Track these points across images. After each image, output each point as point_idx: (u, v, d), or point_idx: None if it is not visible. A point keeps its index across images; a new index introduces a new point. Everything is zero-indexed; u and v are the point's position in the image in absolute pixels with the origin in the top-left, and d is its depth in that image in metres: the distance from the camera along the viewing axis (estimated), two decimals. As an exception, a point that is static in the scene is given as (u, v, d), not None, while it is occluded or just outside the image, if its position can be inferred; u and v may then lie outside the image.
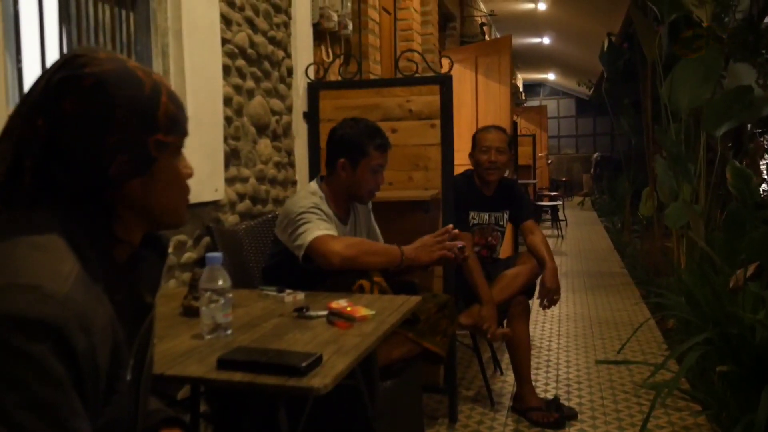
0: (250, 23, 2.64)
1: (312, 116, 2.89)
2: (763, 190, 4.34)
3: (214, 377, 1.21)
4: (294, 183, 3.01)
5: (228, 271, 2.15)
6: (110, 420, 0.76)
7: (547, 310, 3.06)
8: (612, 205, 10.53)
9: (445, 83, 2.74)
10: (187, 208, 0.90)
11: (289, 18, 2.98)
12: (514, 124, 6.68)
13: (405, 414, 2.07)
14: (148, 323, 0.87)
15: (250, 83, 2.63)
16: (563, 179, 15.62)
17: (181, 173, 0.87)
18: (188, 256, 2.22)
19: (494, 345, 3.17)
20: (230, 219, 2.49)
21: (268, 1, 2.78)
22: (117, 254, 0.82)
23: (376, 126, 2.18)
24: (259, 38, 2.69)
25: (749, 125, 4.52)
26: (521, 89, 15.27)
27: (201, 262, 1.97)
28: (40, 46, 1.76)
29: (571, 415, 2.65)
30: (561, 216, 9.45)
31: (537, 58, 14.12)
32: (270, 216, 2.60)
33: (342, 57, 3.49)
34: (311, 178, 2.83)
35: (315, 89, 2.90)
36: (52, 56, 1.77)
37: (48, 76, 0.78)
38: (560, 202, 9.78)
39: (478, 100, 5.76)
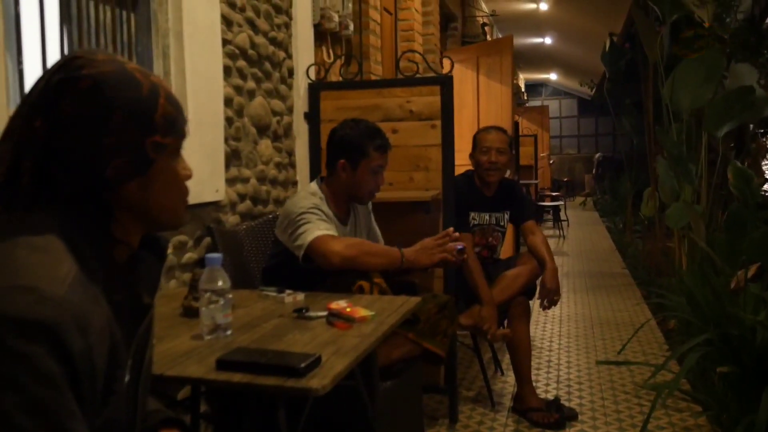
0: (251, 24, 2.64)
1: (313, 117, 2.89)
2: (765, 191, 4.33)
3: (213, 378, 1.21)
4: (295, 183, 3.01)
5: (228, 271, 2.16)
6: (108, 420, 0.76)
7: (548, 311, 3.06)
8: (614, 206, 10.53)
9: (445, 84, 2.74)
10: (185, 210, 0.90)
11: (290, 19, 2.98)
12: (516, 125, 6.68)
13: (405, 414, 2.08)
14: (147, 324, 0.87)
15: (250, 84, 2.64)
16: (565, 179, 15.62)
17: (179, 175, 0.87)
18: (189, 256, 2.22)
19: (495, 345, 3.17)
20: (231, 219, 2.49)
21: (269, 2, 2.79)
22: (116, 255, 0.82)
23: (376, 127, 2.18)
24: (260, 39, 2.70)
25: (751, 125, 4.51)
26: (523, 89, 15.27)
27: (201, 262, 1.98)
28: (41, 47, 1.77)
29: (571, 416, 2.65)
30: (563, 216, 9.44)
31: (539, 58, 14.12)
32: (271, 216, 2.60)
33: (343, 58, 3.49)
34: (312, 179, 2.83)
35: (316, 90, 2.90)
36: (53, 57, 1.78)
37: (47, 77, 0.79)
38: (562, 203, 9.77)
39: (479, 101, 5.76)
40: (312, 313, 1.61)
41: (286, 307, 1.72)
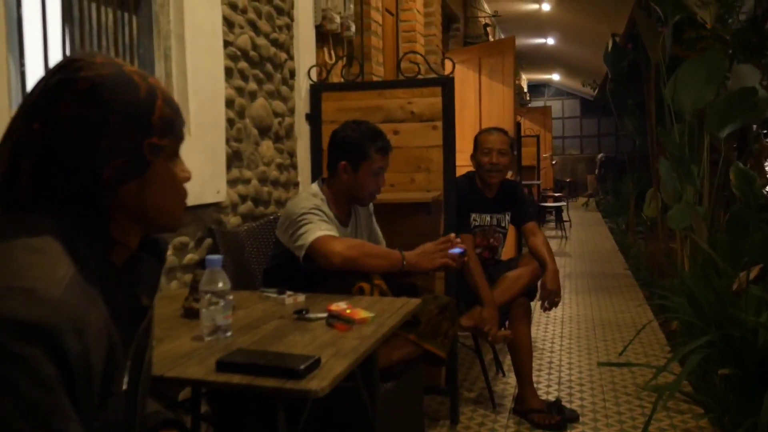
0: (253, 26, 2.65)
1: (314, 118, 2.90)
2: (767, 192, 4.32)
3: (213, 379, 1.21)
4: (296, 184, 3.02)
5: (229, 272, 2.17)
6: (107, 422, 0.77)
7: (549, 312, 3.05)
8: (616, 206, 10.51)
9: (446, 85, 2.74)
10: (183, 212, 0.90)
11: (292, 20, 2.99)
12: (518, 125, 6.67)
13: (406, 415, 2.08)
14: (146, 326, 0.87)
15: (252, 85, 2.64)
16: (568, 180, 15.60)
17: (177, 177, 0.87)
18: (190, 257, 2.23)
19: (496, 347, 3.17)
20: (232, 220, 2.50)
21: (270, 4, 2.79)
22: (114, 257, 0.83)
23: (377, 129, 2.19)
24: (261, 40, 2.70)
25: (754, 126, 4.50)
26: (526, 90, 15.27)
27: (202, 263, 1.98)
28: (43, 50, 1.77)
29: (572, 418, 2.65)
30: (565, 217, 9.43)
31: (541, 59, 14.11)
32: (272, 218, 2.61)
33: (344, 59, 3.50)
34: (313, 180, 2.84)
35: (317, 91, 2.91)
36: (55, 59, 1.78)
37: (45, 79, 0.79)
38: (564, 203, 9.76)
39: (481, 101, 5.75)
40: (312, 315, 1.61)
41: (287, 309, 1.72)
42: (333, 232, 1.99)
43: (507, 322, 2.77)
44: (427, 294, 2.18)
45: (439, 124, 2.76)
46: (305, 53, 3.06)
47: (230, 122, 2.48)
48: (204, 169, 2.28)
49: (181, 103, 2.19)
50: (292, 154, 2.98)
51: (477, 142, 2.90)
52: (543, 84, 19.52)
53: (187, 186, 0.91)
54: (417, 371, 2.12)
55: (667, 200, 4.45)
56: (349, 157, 2.12)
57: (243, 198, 2.58)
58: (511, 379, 2.97)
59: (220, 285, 1.45)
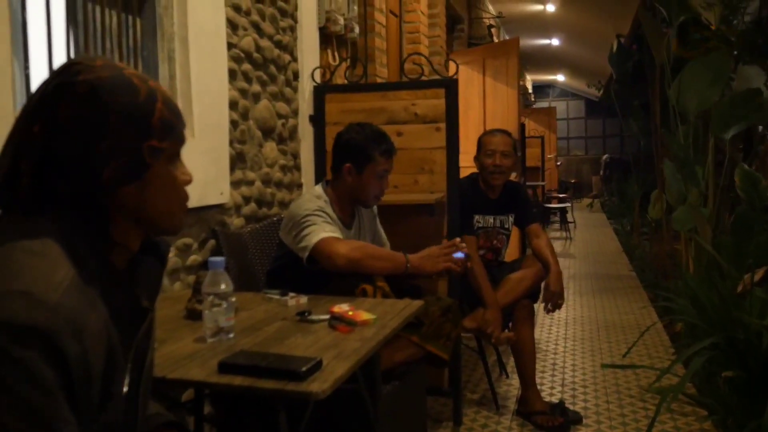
0: (256, 28, 2.65)
1: (318, 119, 2.90)
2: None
3: (214, 381, 1.22)
4: (300, 186, 3.02)
5: (233, 274, 2.18)
6: (107, 424, 0.77)
7: (553, 314, 3.05)
8: (621, 207, 10.49)
9: (450, 87, 2.75)
10: (184, 214, 0.90)
11: (296, 22, 2.99)
12: (522, 126, 6.67)
13: (408, 417, 2.08)
14: (147, 328, 0.87)
15: (256, 87, 2.65)
16: (572, 181, 15.56)
17: (177, 179, 0.88)
18: (193, 258, 2.24)
19: (499, 348, 3.16)
20: (236, 222, 2.50)
21: (274, 6, 2.80)
22: (115, 259, 0.83)
23: (381, 131, 2.19)
24: (265, 42, 2.71)
25: (760, 127, 4.49)
26: (530, 90, 15.25)
27: (206, 265, 1.99)
28: (47, 52, 1.78)
29: (576, 419, 2.64)
30: (569, 218, 9.41)
31: (546, 60, 14.09)
32: (275, 219, 2.61)
33: (348, 60, 3.50)
34: (317, 181, 2.84)
35: (321, 92, 2.91)
36: (60, 62, 1.79)
37: (46, 83, 0.80)
38: (569, 204, 9.74)
39: (485, 103, 5.76)
40: (314, 317, 1.61)
41: (289, 310, 1.73)
42: (336, 234, 2.00)
43: (510, 324, 2.77)
44: (429, 296, 2.19)
45: (443, 125, 2.76)
46: (309, 55, 3.07)
47: (234, 124, 2.49)
48: (207, 171, 2.29)
49: (185, 105, 2.21)
50: (295, 156, 2.99)
51: (480, 143, 2.90)
52: (548, 85, 19.49)
53: (191, 187, 0.91)
54: (419, 373, 2.12)
55: (672, 201, 4.44)
56: (354, 160, 2.12)
57: (246, 199, 2.59)
58: (515, 380, 2.97)
59: (223, 287, 1.45)
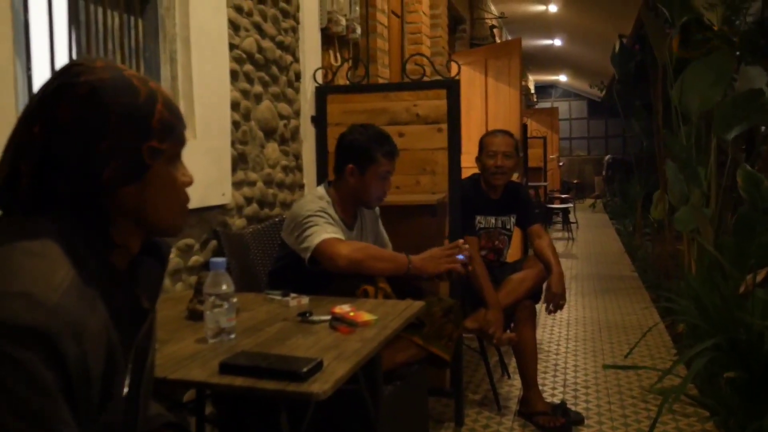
0: (258, 28, 2.66)
1: (320, 120, 2.91)
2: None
3: (216, 382, 1.22)
4: (301, 186, 3.02)
5: (234, 274, 2.18)
6: (107, 425, 0.77)
7: (555, 314, 3.05)
8: (624, 208, 10.48)
9: (452, 87, 2.75)
10: (184, 216, 0.90)
11: (297, 23, 3.00)
12: (524, 127, 6.66)
13: (410, 418, 2.08)
14: (147, 329, 0.88)
15: (257, 88, 2.65)
16: (575, 181, 15.54)
17: (177, 180, 0.88)
18: (195, 259, 2.24)
19: (501, 349, 3.17)
20: (237, 223, 2.51)
21: (276, 7, 2.80)
22: (115, 260, 0.83)
23: (385, 133, 2.19)
24: (267, 43, 2.71)
25: (762, 128, 4.48)
26: (533, 91, 15.24)
27: (208, 265, 1.99)
28: (49, 53, 1.79)
29: (577, 420, 2.64)
30: (572, 218, 9.40)
31: (548, 60, 14.08)
32: (277, 220, 2.62)
33: (350, 61, 3.51)
34: (319, 182, 2.85)
35: (323, 93, 2.92)
36: (62, 63, 1.80)
37: (47, 85, 0.80)
38: (571, 205, 9.73)
39: (487, 103, 5.76)
40: (315, 317, 1.62)
41: (291, 311, 1.73)
42: (338, 235, 2.00)
43: (512, 325, 2.77)
44: (431, 296, 2.19)
45: (445, 126, 2.76)
46: (311, 56, 3.07)
47: (236, 125, 2.49)
48: (209, 172, 2.29)
49: (187, 106, 2.21)
50: (297, 157, 2.99)
51: (482, 144, 2.90)
52: (550, 85, 19.48)
53: (192, 188, 0.91)
54: (421, 373, 2.12)
55: (674, 202, 4.43)
56: (357, 161, 2.12)
57: (248, 200, 2.59)
58: (516, 381, 2.97)
59: (224, 287, 1.45)
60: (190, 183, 0.90)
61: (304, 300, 1.83)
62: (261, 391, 1.18)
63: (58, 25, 1.81)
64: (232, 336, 1.46)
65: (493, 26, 8.51)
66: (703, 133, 4.08)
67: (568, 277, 5.90)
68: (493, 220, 2.92)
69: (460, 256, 2.01)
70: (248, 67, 2.58)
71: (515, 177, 3.53)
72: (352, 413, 1.70)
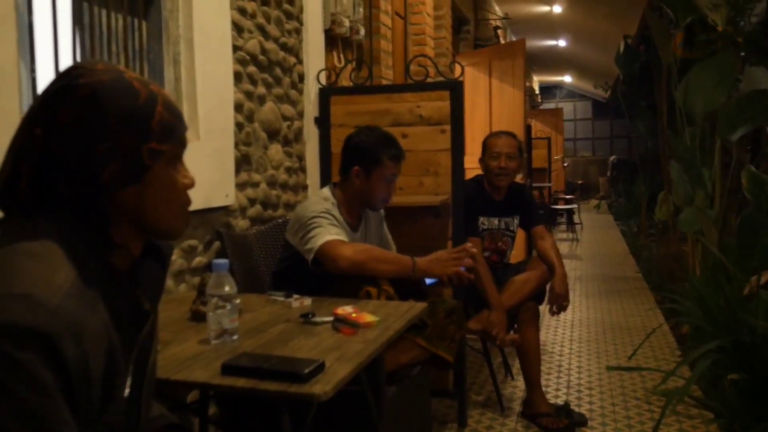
0: (262, 30, 2.66)
1: (323, 121, 2.91)
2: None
3: (218, 383, 1.22)
4: (305, 188, 3.03)
5: (238, 275, 2.19)
6: (108, 426, 0.78)
7: (559, 315, 3.05)
8: (628, 209, 10.45)
9: (455, 89, 2.75)
10: (184, 219, 0.90)
11: (301, 24, 3.00)
12: (528, 128, 6.66)
13: (413, 419, 2.08)
14: (149, 330, 0.88)
15: (261, 89, 2.66)
16: (579, 182, 15.53)
17: (178, 182, 0.88)
18: (198, 260, 2.25)
19: (505, 350, 3.16)
20: (241, 224, 2.51)
21: (279, 8, 2.81)
22: (117, 261, 0.84)
23: (391, 136, 2.20)
24: (270, 45, 2.72)
25: (767, 129, 4.46)
26: (537, 92, 15.22)
27: (211, 266, 2.00)
28: (53, 55, 1.80)
29: (581, 422, 2.64)
30: (576, 219, 9.38)
31: (553, 61, 14.07)
32: (280, 221, 2.62)
33: (353, 62, 3.51)
34: (322, 183, 2.85)
35: (326, 95, 2.92)
36: (66, 65, 1.80)
37: (48, 87, 0.81)
38: (575, 206, 9.71)
39: (491, 104, 5.75)
40: (318, 319, 1.62)
41: (293, 312, 1.73)
42: (342, 237, 2.00)
43: (515, 326, 2.77)
44: (434, 297, 2.19)
45: (448, 127, 2.76)
46: (314, 57, 3.08)
47: (239, 126, 2.50)
48: (213, 173, 2.30)
49: (190, 108, 2.22)
50: (300, 158, 3.00)
51: (485, 145, 2.90)
52: (555, 86, 19.46)
53: (196, 189, 0.91)
54: (424, 375, 2.12)
55: (679, 203, 4.42)
56: (362, 163, 2.13)
57: (252, 201, 2.60)
58: (520, 382, 2.96)
59: (227, 289, 1.46)
60: (191, 185, 0.90)
61: (307, 301, 1.83)
62: (263, 393, 1.19)
63: (62, 27, 1.82)
64: (235, 337, 1.46)
65: (497, 27, 8.51)
66: (708, 134, 4.06)
67: (573, 278, 5.89)
68: (496, 222, 2.92)
69: (463, 268, 2.00)
70: (252, 68, 2.59)
71: (519, 178, 3.53)
72: (355, 414, 1.70)
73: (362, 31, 3.56)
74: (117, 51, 2.01)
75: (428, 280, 2.08)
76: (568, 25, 10.73)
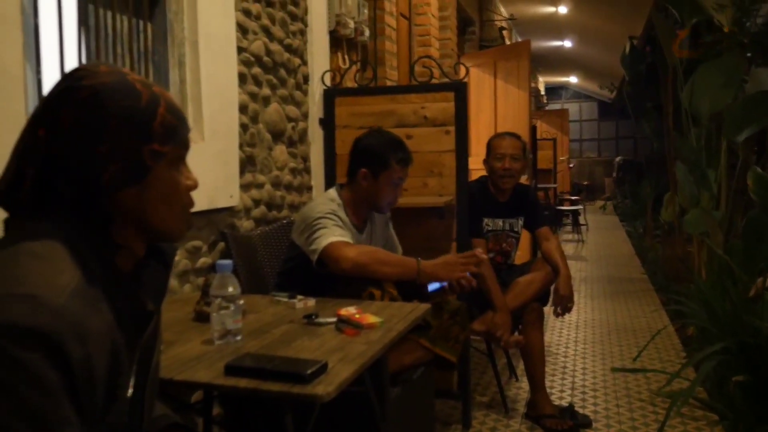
0: (266, 32, 2.67)
1: (328, 122, 2.92)
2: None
3: (221, 383, 1.23)
4: (309, 189, 3.04)
5: (242, 276, 2.20)
6: (112, 426, 0.78)
7: (565, 317, 3.04)
8: (634, 210, 10.42)
9: (459, 90, 2.75)
10: (186, 220, 0.90)
11: (306, 26, 3.01)
12: (533, 129, 6.65)
13: (416, 420, 2.08)
14: (152, 330, 0.88)
15: (266, 90, 2.67)
16: (585, 183, 15.50)
17: (180, 183, 0.88)
18: (203, 261, 2.25)
19: (509, 351, 3.16)
20: (245, 224, 2.52)
21: (284, 10, 2.82)
22: (120, 262, 0.84)
23: (400, 140, 2.20)
24: (275, 46, 2.73)
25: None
26: (543, 92, 15.20)
27: (215, 267, 2.01)
28: (59, 57, 1.81)
29: (585, 423, 2.64)
30: (582, 220, 9.36)
31: (558, 61, 14.05)
32: (285, 222, 2.63)
33: (358, 63, 3.52)
34: (327, 184, 2.86)
35: (331, 96, 2.93)
36: (72, 66, 1.81)
37: (52, 88, 0.81)
38: (581, 207, 9.69)
39: (497, 105, 5.75)
40: (321, 320, 1.62)
41: (297, 313, 1.74)
42: (347, 238, 2.00)
43: (519, 327, 2.77)
44: (438, 298, 2.19)
45: (452, 128, 2.77)
46: (319, 58, 3.08)
47: (244, 127, 2.51)
48: (217, 174, 2.30)
49: (195, 109, 2.23)
50: (305, 159, 3.00)
51: (489, 147, 2.90)
52: (560, 86, 19.43)
53: (201, 190, 0.91)
54: (428, 376, 2.12)
55: (684, 204, 4.41)
56: (370, 165, 2.13)
57: (256, 202, 2.61)
58: (524, 383, 2.96)
59: (231, 290, 1.46)
60: (194, 187, 0.90)
61: (311, 302, 1.84)
62: (266, 393, 1.19)
63: (68, 29, 1.83)
64: (239, 338, 1.47)
65: (502, 28, 8.50)
66: (714, 135, 4.05)
67: (578, 279, 5.88)
68: (500, 223, 2.91)
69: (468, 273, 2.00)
70: (256, 69, 2.60)
71: (524, 179, 3.52)
72: (359, 415, 1.71)
73: (367, 33, 3.57)
74: (122, 53, 2.02)
75: (430, 287, 2.07)
76: (574, 25, 10.71)
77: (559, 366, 3.42)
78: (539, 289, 2.76)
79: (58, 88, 0.81)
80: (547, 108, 15.42)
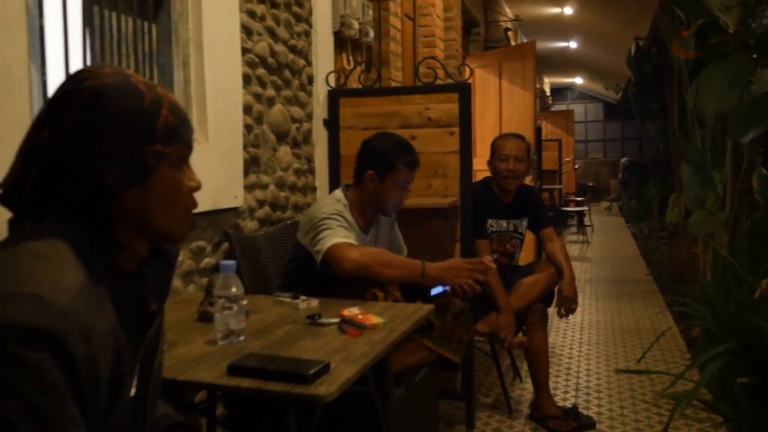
0: (271, 33, 2.68)
1: (332, 123, 2.92)
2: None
3: (223, 383, 1.23)
4: (314, 189, 3.04)
5: (245, 277, 2.20)
6: (115, 426, 0.79)
7: (569, 318, 3.04)
8: (639, 211, 10.40)
9: (463, 91, 2.75)
10: (188, 221, 0.91)
11: (310, 26, 3.02)
12: (538, 130, 6.64)
13: (420, 420, 2.08)
14: (155, 330, 0.89)
15: (270, 91, 2.67)
16: (591, 184, 15.46)
17: (182, 185, 0.88)
18: (207, 261, 2.26)
19: (513, 352, 3.16)
20: (249, 225, 2.53)
21: (288, 11, 2.82)
22: (123, 262, 0.85)
23: (408, 143, 2.20)
24: (279, 47, 2.73)
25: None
26: (548, 93, 15.17)
27: (219, 268, 2.01)
28: (64, 58, 1.81)
29: (589, 425, 2.63)
30: (587, 222, 9.34)
31: (564, 62, 14.03)
32: (289, 222, 2.63)
33: (363, 64, 3.52)
34: (331, 185, 2.86)
35: (335, 97, 2.93)
36: (76, 68, 1.82)
37: (56, 90, 0.82)
38: (586, 208, 9.67)
39: (501, 106, 5.74)
40: (324, 320, 1.63)
41: (300, 313, 1.74)
42: (351, 240, 2.00)
43: (523, 328, 2.77)
44: (441, 299, 2.19)
45: (456, 129, 2.76)
46: (323, 59, 3.09)
47: (248, 128, 2.52)
48: (221, 175, 2.31)
49: (200, 110, 2.24)
50: (309, 160, 3.01)
51: (494, 148, 2.90)
52: (566, 87, 19.39)
53: (205, 191, 0.92)
54: (431, 376, 2.12)
55: (690, 205, 4.39)
56: (377, 167, 2.13)
57: (260, 203, 2.61)
58: (528, 384, 2.96)
59: (234, 290, 1.47)
60: (197, 188, 0.91)
61: (314, 302, 1.84)
62: (268, 393, 1.19)
63: (73, 30, 1.84)
64: (242, 338, 1.47)
65: (507, 29, 8.50)
66: (719, 136, 4.04)
67: (583, 280, 5.87)
68: (504, 224, 2.91)
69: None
70: (261, 70, 2.60)
71: (528, 180, 3.52)
72: (362, 415, 1.71)
73: (371, 34, 3.57)
74: (127, 54, 2.03)
75: (433, 291, 2.07)
76: (579, 26, 10.70)
77: (563, 367, 3.41)
78: (543, 290, 2.75)
79: (61, 90, 0.82)
80: (552, 109, 15.40)
